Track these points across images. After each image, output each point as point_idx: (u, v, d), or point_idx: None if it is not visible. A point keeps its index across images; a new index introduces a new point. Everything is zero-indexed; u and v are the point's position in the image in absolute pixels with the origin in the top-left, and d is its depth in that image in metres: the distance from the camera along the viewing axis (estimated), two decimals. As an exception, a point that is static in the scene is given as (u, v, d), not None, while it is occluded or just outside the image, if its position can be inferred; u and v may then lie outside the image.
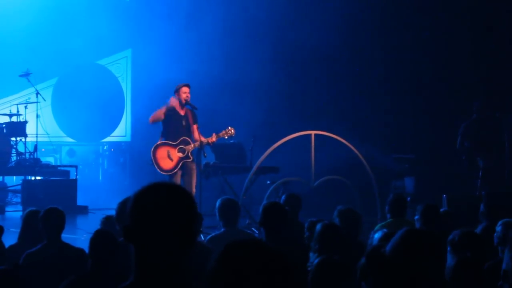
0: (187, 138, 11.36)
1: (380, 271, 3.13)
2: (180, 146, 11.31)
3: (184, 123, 11.41)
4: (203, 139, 11.32)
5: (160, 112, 11.41)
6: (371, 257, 3.24)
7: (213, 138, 11.41)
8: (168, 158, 11.25)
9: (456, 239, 5.40)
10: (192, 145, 11.33)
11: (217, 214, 7.51)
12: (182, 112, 11.45)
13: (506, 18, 14.90)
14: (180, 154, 11.30)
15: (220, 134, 11.50)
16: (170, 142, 11.31)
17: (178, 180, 11.24)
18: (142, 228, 2.58)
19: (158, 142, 11.37)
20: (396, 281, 3.05)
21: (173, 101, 11.47)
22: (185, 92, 11.41)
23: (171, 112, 11.39)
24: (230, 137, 11.77)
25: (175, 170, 11.25)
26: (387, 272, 3.07)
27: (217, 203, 7.55)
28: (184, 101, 11.38)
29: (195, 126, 11.49)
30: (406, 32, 16.03)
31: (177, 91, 11.46)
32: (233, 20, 17.31)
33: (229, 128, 11.59)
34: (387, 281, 3.09)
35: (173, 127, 11.35)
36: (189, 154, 11.33)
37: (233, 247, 2.32)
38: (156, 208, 2.58)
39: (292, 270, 2.27)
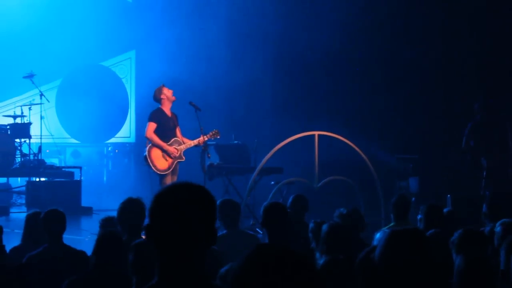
0: (178, 139, 11.53)
1: (370, 279, 3.11)
2: (173, 147, 11.46)
3: (172, 124, 11.57)
4: (190, 141, 11.48)
5: (152, 127, 11.48)
6: (361, 265, 3.22)
7: (205, 138, 11.58)
8: (163, 158, 11.42)
9: (458, 238, 5.39)
10: (184, 146, 11.52)
11: (217, 215, 7.49)
12: (169, 113, 11.64)
13: (508, 18, 14.88)
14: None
15: (208, 135, 11.65)
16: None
17: (169, 179, 11.41)
18: (164, 226, 2.62)
19: (153, 143, 11.46)
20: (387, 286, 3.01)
21: (165, 103, 11.62)
22: (169, 91, 11.65)
23: (160, 114, 11.53)
24: (217, 138, 11.92)
25: (171, 169, 11.43)
26: (376, 278, 3.04)
27: (217, 204, 7.53)
28: (173, 98, 11.56)
29: (178, 128, 11.67)
30: (409, 33, 16.02)
31: (160, 93, 11.61)
32: (237, 21, 17.31)
33: (215, 130, 11.76)
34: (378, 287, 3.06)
35: (163, 129, 11.54)
36: (182, 154, 11.49)
37: (262, 251, 2.31)
38: (177, 206, 2.63)
39: (319, 279, 2.27)
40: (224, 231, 7.40)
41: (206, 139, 11.66)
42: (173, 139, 11.53)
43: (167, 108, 11.63)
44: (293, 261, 2.27)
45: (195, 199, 2.66)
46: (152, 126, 11.48)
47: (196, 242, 2.63)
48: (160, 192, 2.69)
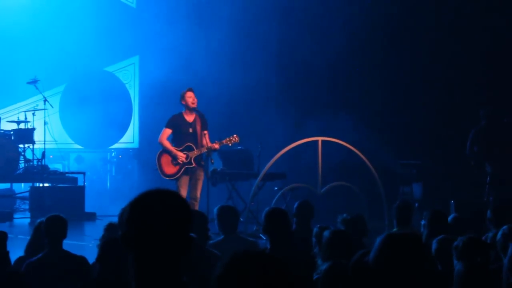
0: (191, 144, 11.44)
1: (364, 281, 3.10)
2: (184, 152, 11.41)
3: (191, 130, 11.47)
4: (209, 144, 11.42)
5: (166, 133, 11.48)
6: (354, 267, 3.21)
7: (216, 145, 11.48)
8: (171, 163, 11.40)
9: (461, 245, 5.39)
10: (195, 151, 11.41)
11: (216, 221, 7.52)
12: (189, 119, 11.52)
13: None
14: (184, 160, 11.41)
15: (224, 141, 11.56)
16: (176, 148, 11.42)
17: (182, 184, 11.38)
18: (139, 234, 2.64)
19: (163, 148, 11.50)
20: None
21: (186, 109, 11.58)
22: (190, 97, 11.50)
23: (178, 120, 11.48)
24: (235, 143, 11.79)
25: (177, 175, 11.38)
26: (371, 281, 3.03)
27: (215, 211, 7.56)
28: (191, 106, 11.45)
29: (205, 132, 11.56)
30: (414, 38, 16.02)
31: (182, 98, 11.54)
32: (240, 25, 17.32)
33: (234, 135, 11.63)
34: None
35: (179, 134, 11.49)
36: (192, 160, 11.40)
37: (239, 258, 2.32)
38: (151, 214, 2.64)
39: (295, 283, 2.27)
40: (222, 236, 7.40)
41: (221, 144, 11.59)
42: (186, 144, 11.48)
43: (188, 113, 11.57)
44: (272, 268, 2.27)
45: (170, 206, 2.67)
46: (166, 132, 11.53)
47: (172, 248, 2.64)
48: (135, 200, 2.70)
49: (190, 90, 11.60)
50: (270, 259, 2.30)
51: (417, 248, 3.07)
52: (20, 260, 6.71)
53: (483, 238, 6.48)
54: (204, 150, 11.45)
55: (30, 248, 6.87)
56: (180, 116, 11.56)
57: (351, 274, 3.28)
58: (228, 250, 6.70)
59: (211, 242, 7.38)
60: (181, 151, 11.41)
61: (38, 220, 7.05)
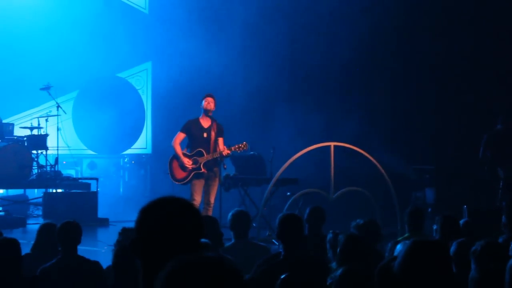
0: (202, 149, 11.50)
1: (390, 286, 3.11)
2: (194, 157, 11.48)
3: (205, 134, 11.53)
4: (216, 152, 11.51)
5: (179, 137, 11.59)
6: (380, 273, 3.22)
7: (225, 151, 11.53)
8: (181, 168, 11.49)
9: (479, 249, 5.37)
10: (205, 157, 11.47)
11: (228, 226, 7.56)
12: (205, 124, 11.59)
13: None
14: (193, 165, 11.48)
15: (233, 148, 11.60)
16: (187, 153, 11.52)
17: (196, 189, 11.50)
18: (149, 241, 2.64)
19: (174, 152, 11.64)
20: None
21: (203, 114, 11.68)
22: (206, 101, 11.58)
23: (192, 124, 11.57)
24: (244, 150, 11.83)
25: (186, 180, 11.51)
26: (396, 286, 3.04)
27: (229, 215, 7.59)
28: (204, 109, 11.55)
29: (220, 139, 11.62)
30: (429, 44, 15.99)
31: (200, 104, 11.67)
32: (252, 30, 17.34)
33: (243, 142, 11.68)
34: None
35: (193, 138, 11.61)
36: (201, 166, 11.45)
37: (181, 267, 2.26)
38: (163, 221, 2.64)
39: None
40: (233, 241, 7.42)
41: (230, 151, 11.63)
42: (197, 150, 11.56)
43: (204, 119, 11.66)
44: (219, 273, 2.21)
45: (179, 214, 2.66)
46: (179, 136, 11.67)
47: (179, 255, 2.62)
48: (144, 207, 2.70)
49: (209, 95, 11.71)
50: (219, 267, 2.21)
51: (442, 255, 3.08)
52: (26, 256, 6.72)
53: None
54: (215, 155, 11.51)
55: (36, 249, 6.92)
56: (196, 121, 11.66)
57: (377, 279, 3.28)
58: (239, 254, 6.72)
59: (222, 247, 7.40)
60: (191, 156, 11.50)
61: (43, 222, 7.08)
